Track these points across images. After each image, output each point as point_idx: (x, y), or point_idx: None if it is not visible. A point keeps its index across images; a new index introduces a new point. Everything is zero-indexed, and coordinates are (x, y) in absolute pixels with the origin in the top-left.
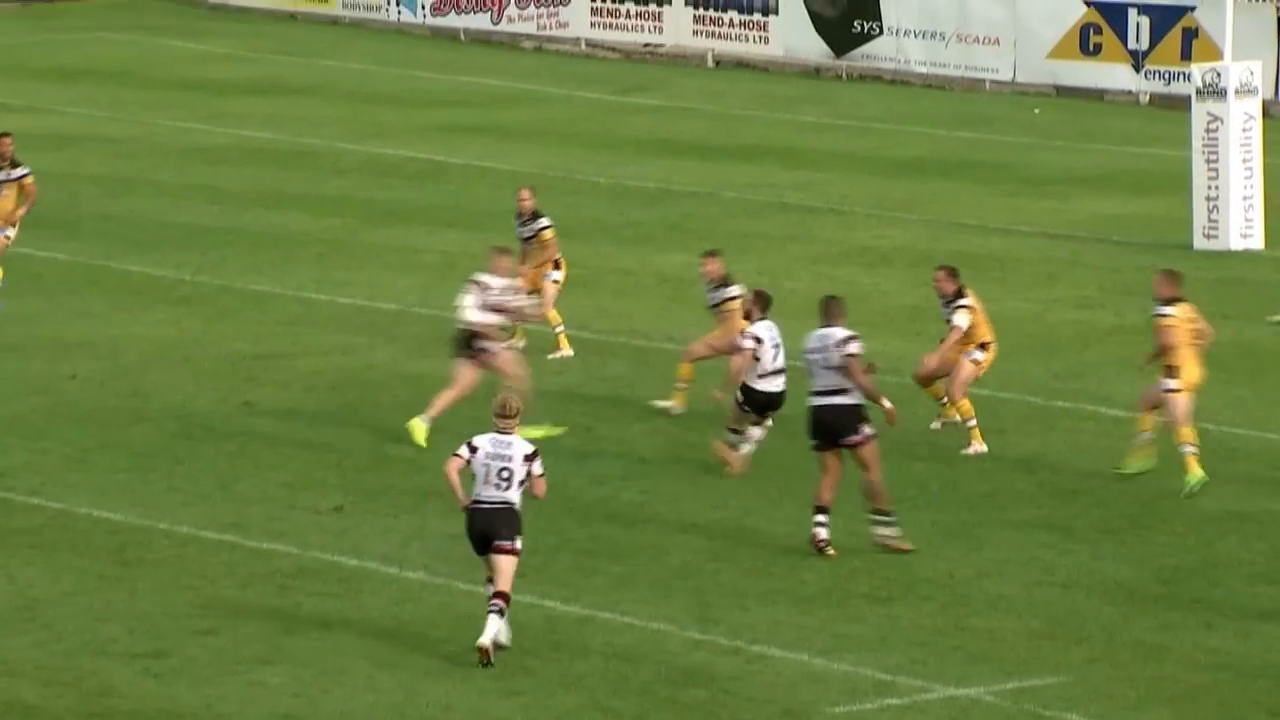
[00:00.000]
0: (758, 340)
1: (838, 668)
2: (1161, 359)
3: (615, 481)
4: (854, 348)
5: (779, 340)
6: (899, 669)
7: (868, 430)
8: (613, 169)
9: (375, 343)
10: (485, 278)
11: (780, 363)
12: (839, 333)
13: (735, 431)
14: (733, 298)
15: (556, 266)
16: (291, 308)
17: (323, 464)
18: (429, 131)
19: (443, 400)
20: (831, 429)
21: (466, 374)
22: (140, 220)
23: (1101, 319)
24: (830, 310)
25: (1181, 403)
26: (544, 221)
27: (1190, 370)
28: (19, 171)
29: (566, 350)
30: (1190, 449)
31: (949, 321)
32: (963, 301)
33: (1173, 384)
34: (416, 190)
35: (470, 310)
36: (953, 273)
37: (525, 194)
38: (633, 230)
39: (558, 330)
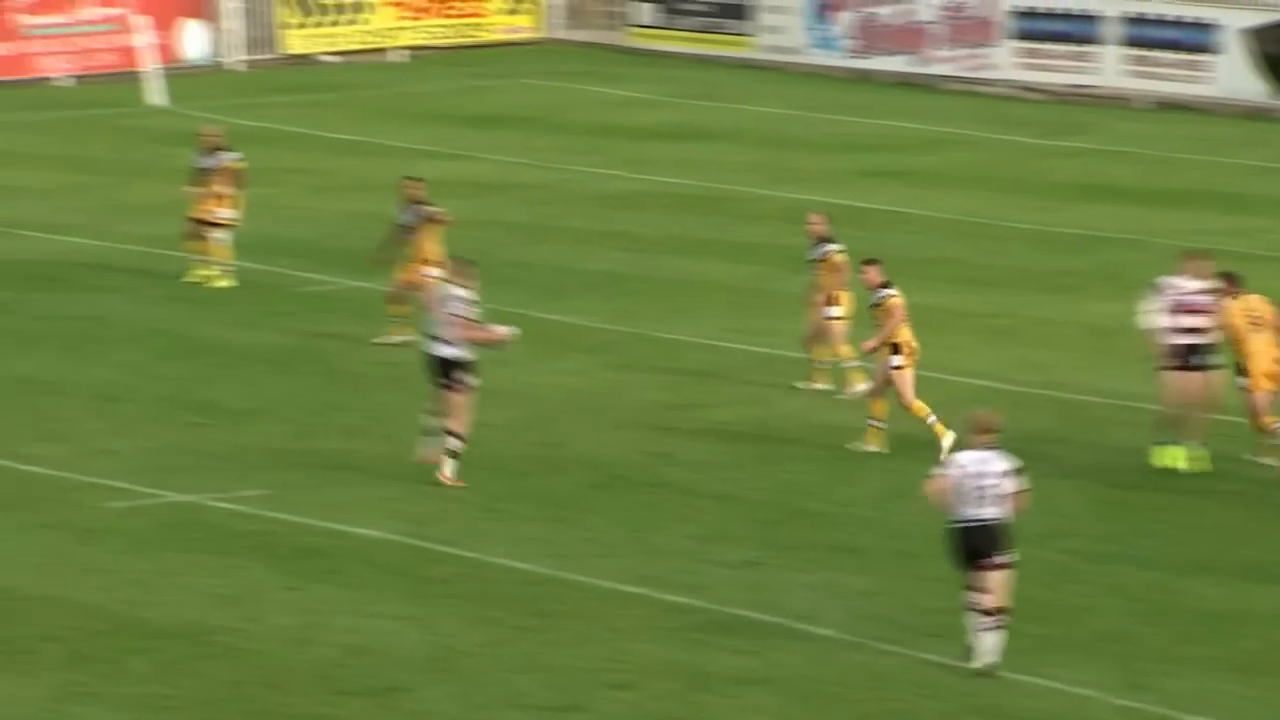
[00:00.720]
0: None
1: None
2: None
3: (1037, 540)
4: None
5: None
6: None
7: None
8: (1038, 215)
9: (789, 392)
10: (1176, 280)
11: None
12: None
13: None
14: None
15: (834, 302)
16: (705, 356)
17: (736, 516)
18: (846, 176)
19: (1196, 422)
20: None
21: (1183, 388)
22: (554, 267)
23: None
24: None
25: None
26: (834, 246)
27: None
28: (429, 210)
29: (862, 385)
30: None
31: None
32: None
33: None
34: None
35: (1156, 316)
36: (1230, 278)
37: (816, 218)
38: (1058, 279)
39: (850, 364)
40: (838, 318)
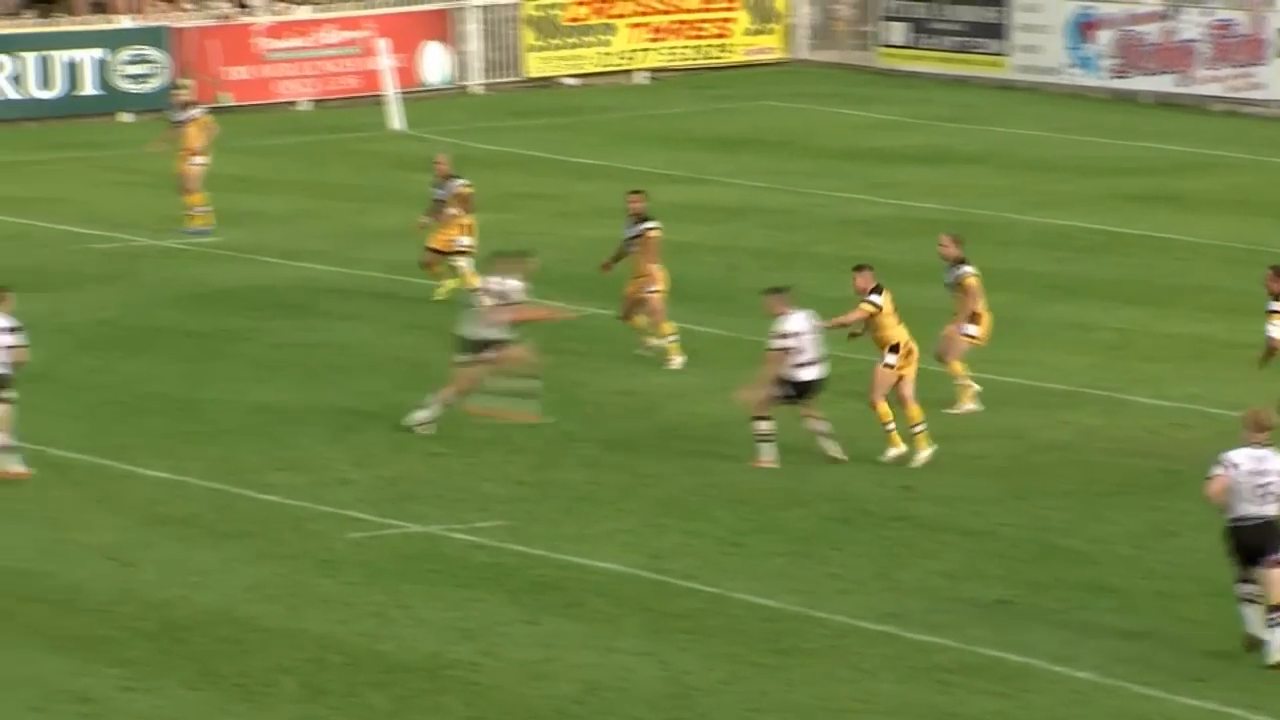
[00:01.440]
0: None
1: None
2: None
3: None
4: None
5: None
6: None
7: None
8: None
9: (1045, 425)
10: None
11: None
12: None
13: None
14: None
15: (974, 320)
16: (954, 387)
17: (986, 553)
18: (1106, 200)
19: None
20: None
21: None
22: (798, 294)
23: None
24: None
25: None
26: (967, 269)
27: None
28: (645, 226)
29: (971, 405)
30: None
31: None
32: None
33: None
34: (1091, 263)
35: None
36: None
37: (947, 240)
38: None
39: (962, 382)
40: (972, 336)
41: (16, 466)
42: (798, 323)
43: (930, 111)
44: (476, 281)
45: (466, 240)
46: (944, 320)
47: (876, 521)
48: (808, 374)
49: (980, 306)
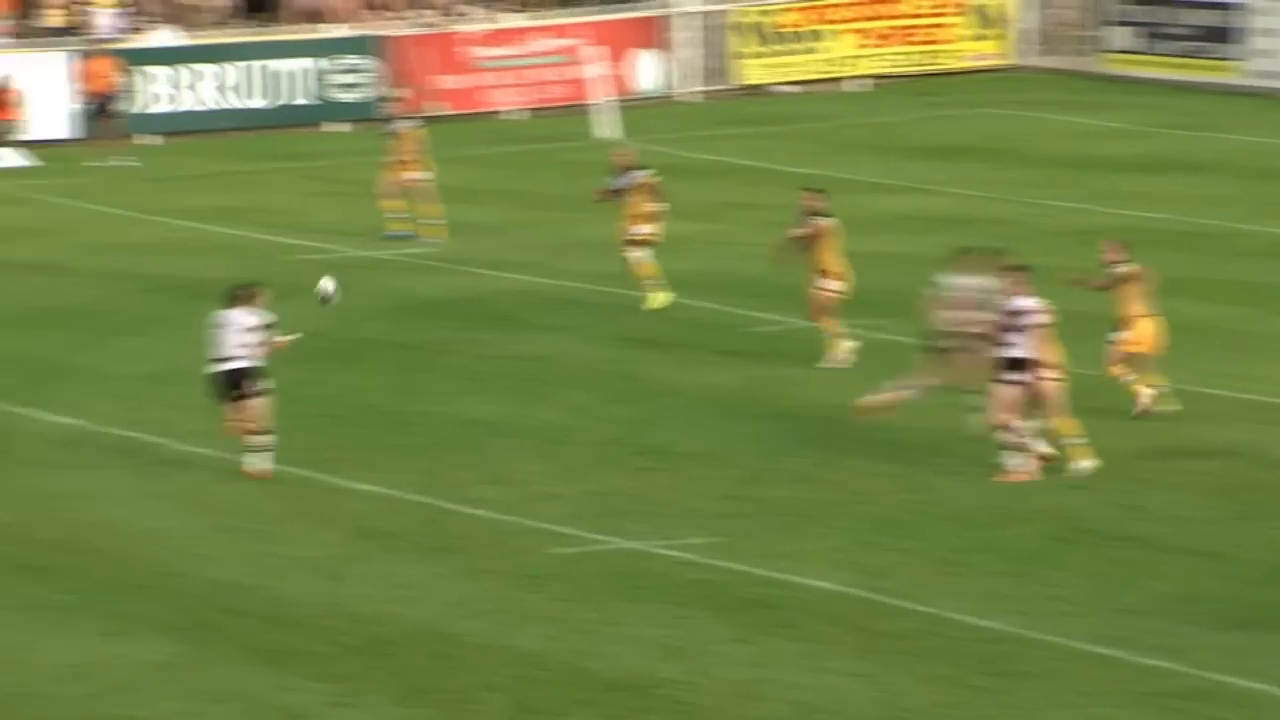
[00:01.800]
0: None
1: None
2: None
3: None
4: None
5: None
6: None
7: None
8: None
9: (1276, 443)
10: None
11: None
12: None
13: None
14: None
15: (1121, 325)
16: (1184, 403)
17: (1215, 575)
18: None
19: None
20: None
21: None
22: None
23: None
24: None
25: None
26: (1125, 268)
27: None
28: (820, 222)
29: (1145, 401)
30: None
31: None
32: None
33: None
34: None
35: None
36: None
37: (1110, 246)
38: None
39: (1160, 390)
40: (1123, 342)
41: (262, 465)
42: (1029, 304)
43: (1156, 118)
44: (647, 271)
45: (646, 229)
46: (1190, 334)
47: (1099, 540)
48: (1018, 351)
49: (1137, 309)
